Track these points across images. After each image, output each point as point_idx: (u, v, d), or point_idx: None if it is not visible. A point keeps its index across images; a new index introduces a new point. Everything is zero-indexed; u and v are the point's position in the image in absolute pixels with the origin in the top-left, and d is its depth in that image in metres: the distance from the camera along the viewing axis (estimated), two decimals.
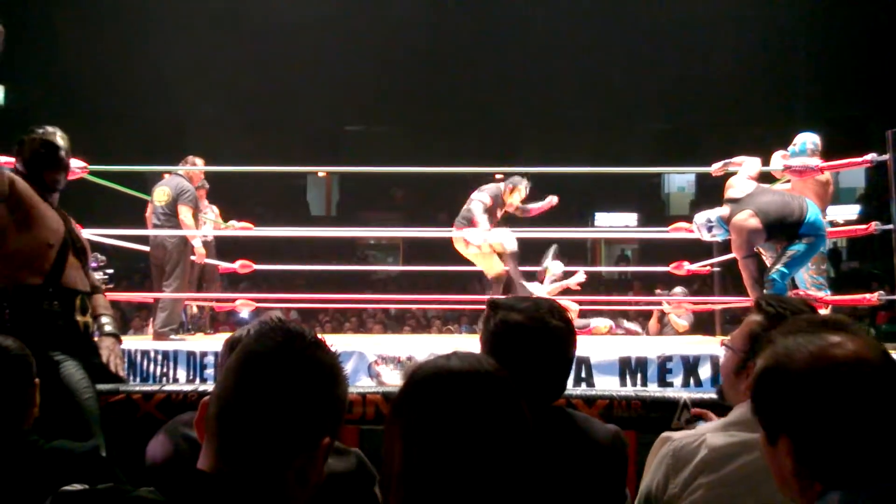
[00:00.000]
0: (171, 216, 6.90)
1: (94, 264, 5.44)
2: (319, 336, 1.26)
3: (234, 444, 1.14)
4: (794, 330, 1.19)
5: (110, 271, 5.67)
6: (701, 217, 5.98)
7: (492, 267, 7.20)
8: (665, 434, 1.91)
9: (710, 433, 1.79)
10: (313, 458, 1.17)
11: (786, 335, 1.19)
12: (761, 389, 1.20)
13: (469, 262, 7.42)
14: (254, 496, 1.12)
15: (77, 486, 1.18)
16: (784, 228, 5.45)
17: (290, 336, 1.21)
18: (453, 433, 1.12)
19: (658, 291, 10.00)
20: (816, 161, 5.88)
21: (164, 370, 5.50)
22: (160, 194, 7.00)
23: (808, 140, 6.44)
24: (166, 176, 7.27)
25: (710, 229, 5.92)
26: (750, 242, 5.56)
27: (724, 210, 5.80)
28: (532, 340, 1.86)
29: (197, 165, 7.30)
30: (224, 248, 7.81)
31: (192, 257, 7.06)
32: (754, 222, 5.51)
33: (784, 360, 1.16)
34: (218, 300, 8.72)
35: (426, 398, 1.17)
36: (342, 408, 1.25)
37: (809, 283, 6.28)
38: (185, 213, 6.88)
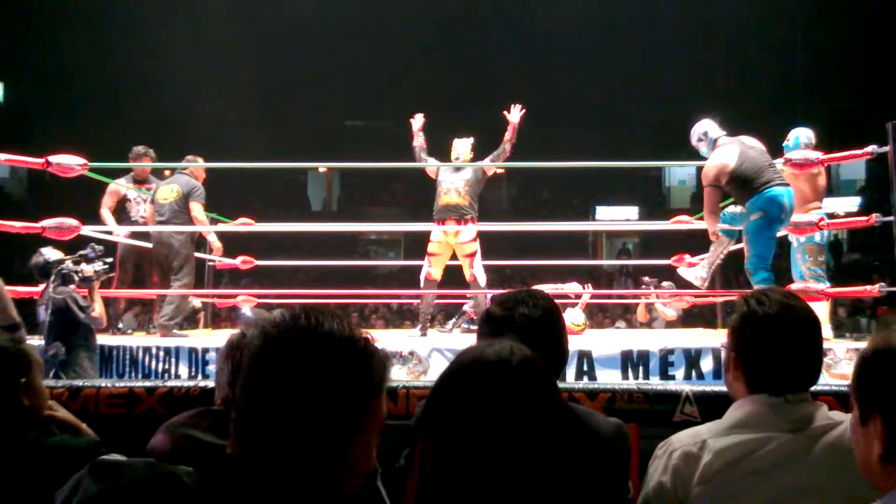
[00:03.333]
0: (179, 213, 6.93)
1: (91, 254, 5.43)
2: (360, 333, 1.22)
3: (252, 429, 1.14)
4: None
5: (109, 260, 5.65)
6: (702, 125, 6.06)
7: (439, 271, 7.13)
8: (664, 442, 1.91)
9: (712, 438, 1.79)
10: (351, 447, 1.16)
11: None
12: (865, 369, 1.22)
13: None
14: (280, 479, 1.12)
15: (116, 457, 1.18)
16: (744, 185, 5.55)
17: (312, 327, 1.18)
18: (492, 421, 1.15)
19: (646, 279, 9.99)
20: (817, 154, 5.88)
21: (166, 366, 5.51)
22: (167, 192, 7.02)
23: (801, 135, 6.49)
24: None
25: (699, 140, 6.04)
26: (717, 175, 5.68)
27: (723, 136, 5.95)
28: (503, 330, 1.86)
29: (198, 162, 7.33)
30: (226, 244, 7.81)
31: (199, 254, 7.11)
32: (730, 160, 5.63)
33: (892, 344, 1.19)
34: (219, 296, 8.72)
35: (467, 386, 1.19)
36: (368, 398, 1.20)
37: (808, 275, 6.29)
38: (197, 209, 6.93)
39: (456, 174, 6.95)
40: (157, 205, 7.05)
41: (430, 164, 7.11)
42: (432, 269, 7.02)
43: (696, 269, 6.47)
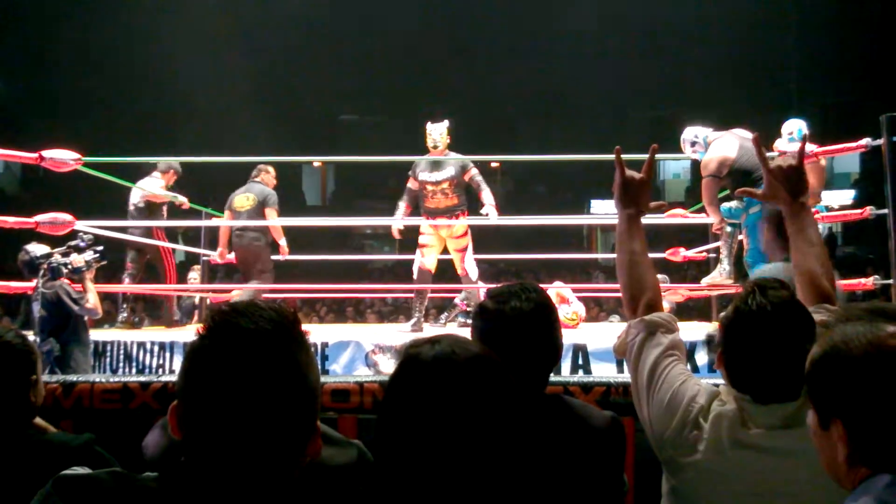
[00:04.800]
0: (255, 219, 7.38)
1: (81, 244, 5.41)
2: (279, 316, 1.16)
3: (202, 440, 1.12)
4: (851, 317, 1.19)
5: (100, 248, 5.61)
6: (690, 132, 6.11)
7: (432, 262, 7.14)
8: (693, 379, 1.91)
9: (717, 400, 1.80)
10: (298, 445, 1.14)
11: (843, 322, 1.19)
12: (817, 374, 1.20)
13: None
14: (231, 482, 1.10)
15: (78, 470, 1.18)
16: (743, 178, 5.55)
17: (249, 333, 1.12)
18: (443, 417, 1.12)
19: None
20: (811, 146, 5.89)
21: (161, 361, 5.51)
22: (244, 200, 7.46)
23: (802, 126, 6.51)
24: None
25: (692, 145, 6.11)
26: (718, 166, 5.71)
27: (712, 132, 6.01)
28: (495, 324, 1.86)
29: (270, 174, 7.82)
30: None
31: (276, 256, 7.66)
32: (731, 152, 5.66)
33: (841, 346, 1.17)
34: (214, 291, 8.71)
35: (417, 384, 1.16)
36: (315, 392, 1.18)
37: None
38: (272, 215, 7.41)
39: (438, 173, 6.89)
40: (234, 213, 7.45)
41: (413, 159, 7.09)
42: (425, 259, 7.01)
43: (718, 270, 6.46)
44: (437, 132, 6.95)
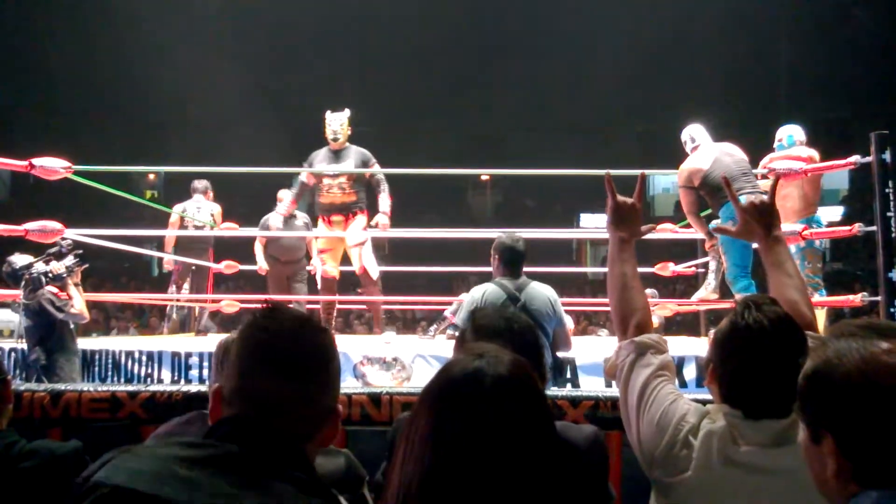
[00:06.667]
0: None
1: (63, 250, 5.40)
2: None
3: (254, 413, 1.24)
4: (845, 333, 1.19)
5: (80, 252, 5.59)
6: (690, 130, 6.11)
7: (336, 267, 6.98)
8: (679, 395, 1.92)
9: (707, 419, 1.80)
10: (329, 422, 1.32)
11: (837, 338, 1.19)
12: (810, 388, 1.20)
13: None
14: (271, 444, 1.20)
15: None
16: (715, 192, 5.58)
17: (293, 321, 1.34)
18: (483, 435, 1.11)
19: None
20: (800, 164, 5.90)
21: (149, 371, 5.49)
22: None
23: (793, 133, 6.54)
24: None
25: (685, 142, 6.16)
26: (688, 177, 5.80)
27: (706, 140, 6.02)
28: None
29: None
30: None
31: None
32: (703, 165, 5.70)
33: (835, 360, 1.17)
34: (202, 301, 8.68)
35: (458, 399, 1.16)
36: (335, 380, 1.36)
37: (805, 282, 6.29)
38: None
39: (336, 165, 6.62)
40: None
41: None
42: (327, 266, 6.78)
43: (705, 285, 6.53)
44: (338, 122, 6.73)
